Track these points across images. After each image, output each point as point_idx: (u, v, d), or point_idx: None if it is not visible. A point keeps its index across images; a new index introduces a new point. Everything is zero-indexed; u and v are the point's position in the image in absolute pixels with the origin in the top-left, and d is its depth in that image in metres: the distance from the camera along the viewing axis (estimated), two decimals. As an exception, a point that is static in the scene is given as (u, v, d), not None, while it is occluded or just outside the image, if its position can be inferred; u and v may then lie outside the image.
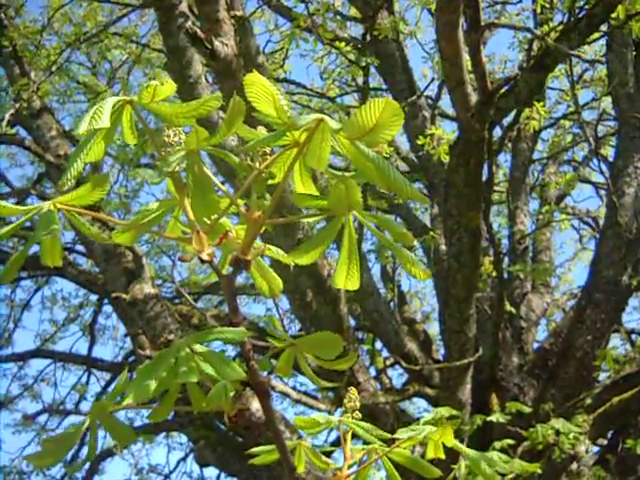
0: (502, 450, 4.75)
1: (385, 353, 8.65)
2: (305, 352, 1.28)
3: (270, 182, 1.19)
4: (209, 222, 1.17)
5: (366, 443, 1.47)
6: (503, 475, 4.49)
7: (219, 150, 1.19)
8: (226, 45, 4.88)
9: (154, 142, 1.14)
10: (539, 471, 4.66)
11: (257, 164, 1.17)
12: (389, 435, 1.42)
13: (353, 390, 1.48)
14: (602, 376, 6.98)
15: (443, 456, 1.46)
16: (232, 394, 1.14)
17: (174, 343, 1.07)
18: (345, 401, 1.47)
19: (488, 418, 5.30)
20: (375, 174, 1.03)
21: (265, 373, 1.23)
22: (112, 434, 1.17)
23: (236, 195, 1.17)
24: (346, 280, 1.24)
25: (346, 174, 1.14)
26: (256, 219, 1.16)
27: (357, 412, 1.47)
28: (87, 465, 9.52)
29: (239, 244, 1.17)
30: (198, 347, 1.05)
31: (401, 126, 0.99)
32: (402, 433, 1.42)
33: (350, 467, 1.44)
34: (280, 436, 1.20)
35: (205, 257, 1.12)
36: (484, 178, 5.45)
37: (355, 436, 1.49)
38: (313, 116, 1.03)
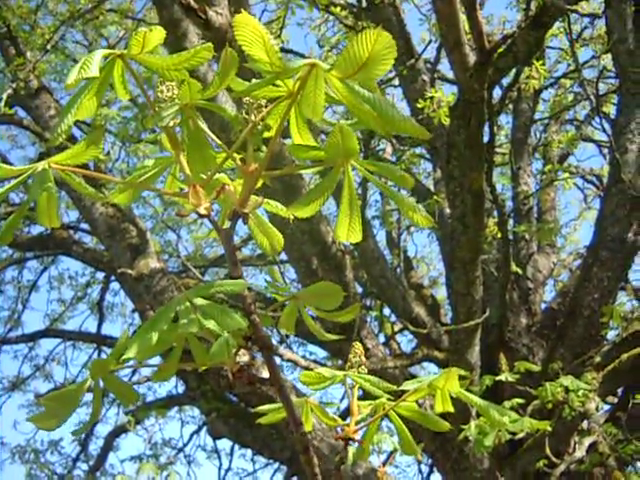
0: (512, 409, 4.76)
1: (393, 320, 8.66)
2: (307, 304, 1.27)
3: (266, 134, 1.18)
4: (206, 177, 1.16)
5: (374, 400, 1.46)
6: (514, 433, 4.50)
7: (213, 104, 1.17)
8: (220, 15, 4.85)
9: (147, 97, 1.12)
10: (549, 429, 4.67)
11: (252, 117, 1.16)
12: (395, 387, 1.42)
13: (358, 345, 1.47)
14: (611, 334, 6.97)
15: (452, 409, 1.45)
16: (234, 349, 1.13)
17: (174, 297, 1.06)
18: (350, 356, 1.46)
19: (497, 378, 5.30)
20: (372, 116, 1.01)
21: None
22: (114, 392, 1.16)
23: (232, 149, 1.16)
24: (348, 232, 1.23)
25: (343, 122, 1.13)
26: (253, 172, 1.14)
27: (363, 367, 1.47)
28: (102, 442, 9.60)
29: (237, 198, 1.16)
30: (198, 300, 1.04)
31: (394, 60, 0.97)
32: (408, 385, 1.41)
33: (358, 423, 1.44)
34: (285, 391, 1.20)
35: (202, 211, 1.11)
36: (485, 139, 5.42)
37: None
38: (305, 60, 1.02)
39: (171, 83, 1.14)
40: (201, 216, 1.11)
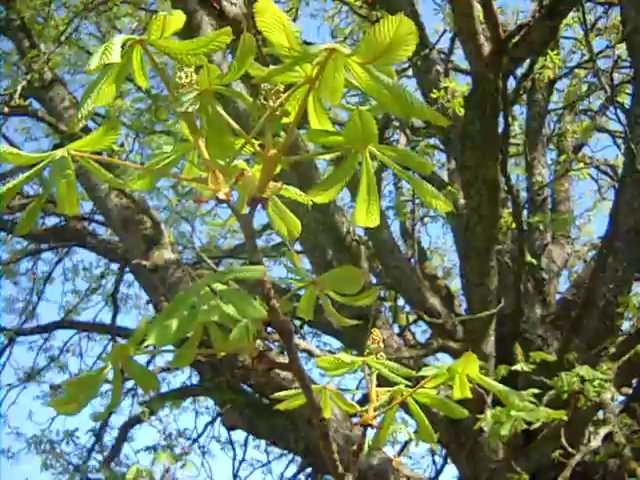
0: (528, 400, 4.75)
1: (407, 310, 8.66)
2: (326, 289, 1.27)
3: (284, 120, 1.18)
4: (224, 163, 1.17)
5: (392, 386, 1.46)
6: (530, 423, 4.50)
7: (232, 90, 1.17)
8: (234, 5, 4.85)
9: (166, 83, 1.12)
10: (565, 418, 4.66)
11: (270, 103, 1.16)
12: (414, 372, 1.42)
13: (376, 331, 1.47)
14: (626, 325, 6.95)
15: (470, 395, 1.45)
16: (253, 335, 1.13)
17: (195, 283, 1.06)
18: (369, 342, 1.46)
19: (513, 368, 5.30)
20: (392, 101, 1.01)
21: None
22: (134, 378, 1.16)
23: (251, 134, 1.16)
24: (367, 217, 1.22)
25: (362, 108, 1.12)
26: (271, 157, 1.14)
27: (382, 354, 1.47)
28: (116, 433, 9.64)
29: (255, 184, 1.16)
30: (218, 285, 1.04)
31: (415, 45, 0.97)
32: (427, 371, 1.41)
33: (376, 409, 1.44)
34: (304, 375, 1.20)
35: (222, 196, 1.12)
36: (500, 129, 5.40)
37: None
38: (325, 45, 1.01)
39: (189, 69, 1.14)
40: (220, 201, 1.12)
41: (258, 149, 1.16)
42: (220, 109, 1.16)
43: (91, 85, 1.05)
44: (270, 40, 1.02)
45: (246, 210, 1.16)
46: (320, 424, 1.24)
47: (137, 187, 1.24)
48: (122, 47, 1.04)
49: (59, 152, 1.12)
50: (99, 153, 1.17)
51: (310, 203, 1.30)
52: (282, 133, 1.19)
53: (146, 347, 1.13)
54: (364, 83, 1.03)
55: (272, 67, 1.08)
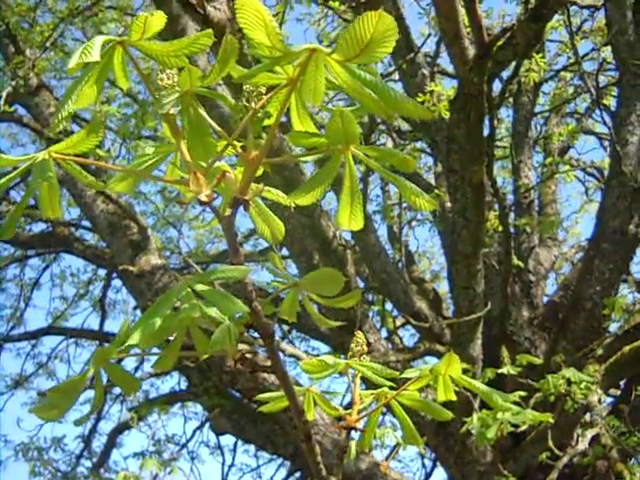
0: (515, 403, 4.76)
1: (395, 314, 8.66)
2: (308, 290, 1.27)
3: (266, 122, 1.18)
4: (206, 165, 1.16)
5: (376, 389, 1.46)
6: (516, 426, 4.50)
7: (214, 92, 1.17)
8: (219, 10, 4.84)
9: (147, 84, 1.12)
10: (551, 421, 4.67)
11: (252, 104, 1.16)
12: (397, 375, 1.41)
13: (360, 334, 1.47)
14: (613, 327, 6.97)
15: (454, 397, 1.45)
16: (235, 337, 1.13)
17: (176, 284, 1.06)
18: (352, 345, 1.45)
19: (499, 371, 5.30)
20: (375, 100, 1.01)
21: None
22: (115, 381, 1.16)
23: (232, 136, 1.16)
24: (350, 220, 1.22)
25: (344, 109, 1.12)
26: (253, 159, 1.14)
27: (365, 356, 1.46)
28: (105, 439, 9.60)
29: (237, 185, 1.15)
30: (199, 286, 1.04)
31: (395, 42, 0.96)
32: (410, 373, 1.41)
33: (360, 412, 1.44)
34: (287, 377, 1.20)
35: (204, 198, 1.11)
36: (485, 132, 5.41)
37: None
38: (306, 45, 1.01)
39: (171, 71, 1.14)
40: (202, 203, 1.11)
41: (240, 151, 1.16)
42: (202, 111, 1.16)
43: (72, 86, 1.05)
44: (251, 38, 1.02)
45: (228, 212, 1.16)
46: (303, 426, 1.23)
47: (119, 189, 1.23)
48: (103, 48, 1.03)
49: (40, 154, 1.11)
50: (85, 157, 1.17)
51: (293, 205, 1.30)
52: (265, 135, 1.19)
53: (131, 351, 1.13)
54: (345, 82, 1.03)
55: (253, 67, 1.08)
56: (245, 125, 1.15)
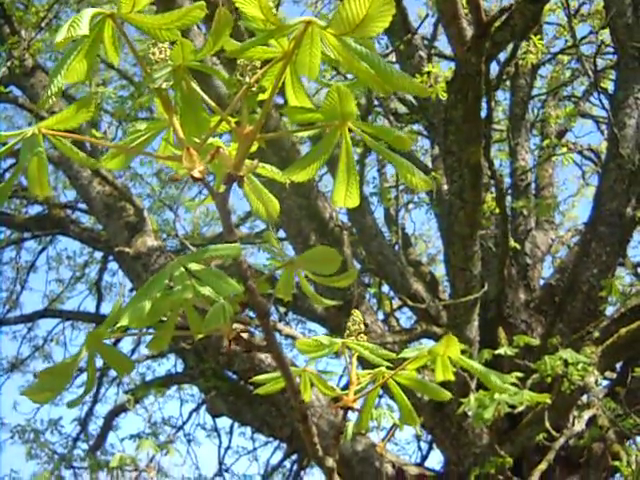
0: (512, 384, 4.75)
1: (392, 297, 8.65)
2: (304, 269, 1.25)
3: (260, 97, 1.15)
4: (199, 140, 1.14)
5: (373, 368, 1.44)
6: (513, 407, 4.50)
7: (206, 66, 1.15)
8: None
9: (138, 58, 1.10)
10: (549, 401, 4.66)
11: (246, 79, 1.14)
12: (394, 355, 1.40)
13: (357, 312, 1.45)
14: (609, 310, 6.97)
15: (452, 377, 1.43)
16: (230, 316, 1.11)
17: (169, 264, 1.04)
18: (349, 324, 1.44)
19: (496, 352, 5.29)
20: (371, 75, 0.98)
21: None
22: (108, 361, 1.14)
23: (226, 111, 1.14)
24: (345, 197, 1.20)
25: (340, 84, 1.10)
26: (247, 134, 1.12)
27: (362, 335, 1.45)
28: (101, 421, 9.61)
29: (231, 161, 1.13)
30: (193, 265, 1.02)
31: (391, 18, 0.94)
32: (408, 353, 1.39)
33: (357, 392, 1.42)
34: (282, 357, 1.18)
35: (197, 174, 1.09)
36: (483, 113, 5.39)
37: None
38: (301, 18, 0.99)
39: (163, 45, 1.12)
40: (195, 179, 1.09)
41: (234, 126, 1.14)
42: (195, 85, 1.14)
43: (61, 60, 1.03)
44: (244, 13, 0.99)
45: (222, 189, 1.14)
46: (299, 406, 1.22)
47: (112, 166, 1.21)
48: (92, 21, 1.01)
49: (30, 130, 1.09)
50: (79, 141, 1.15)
51: (289, 184, 1.28)
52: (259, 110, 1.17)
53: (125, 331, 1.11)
54: (341, 56, 1.01)
55: (247, 40, 1.06)
56: (239, 100, 1.13)
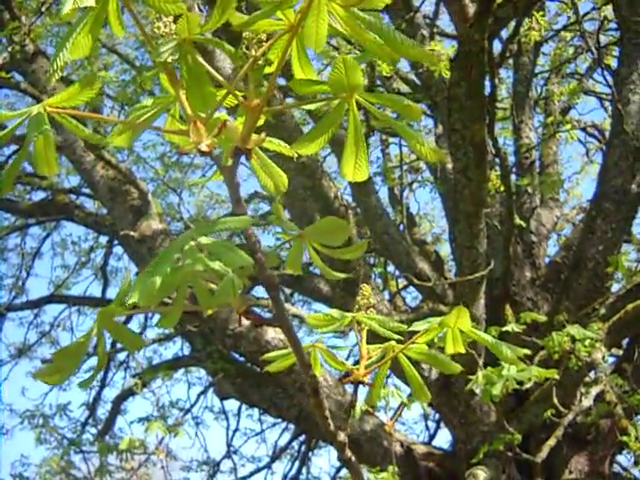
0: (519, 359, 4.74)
1: (397, 277, 8.66)
2: (312, 240, 1.24)
3: (267, 70, 1.15)
4: (206, 115, 1.13)
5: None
6: (521, 383, 4.50)
7: (212, 39, 1.14)
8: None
9: (143, 32, 1.09)
10: (557, 377, 4.66)
11: (252, 52, 1.13)
12: (405, 328, 1.39)
13: (366, 287, 1.45)
14: (615, 286, 6.96)
15: (463, 350, 1.43)
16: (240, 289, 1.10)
17: (179, 237, 1.03)
18: (358, 298, 1.44)
19: (503, 329, 5.29)
20: (378, 45, 0.98)
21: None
22: (118, 338, 1.14)
23: (232, 84, 1.13)
24: (354, 170, 1.19)
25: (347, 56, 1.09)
26: (254, 107, 1.12)
27: (372, 309, 1.44)
28: (109, 406, 9.64)
29: (239, 135, 1.13)
30: (203, 239, 1.01)
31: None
32: (418, 326, 1.39)
33: (367, 367, 1.42)
34: (292, 330, 1.17)
35: (204, 148, 1.09)
36: (486, 91, 5.36)
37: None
38: (307, -13, 0.98)
39: (168, 19, 1.11)
40: (202, 153, 1.09)
41: (241, 99, 1.13)
42: (200, 59, 1.13)
43: (66, 35, 1.02)
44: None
45: (230, 163, 1.13)
46: (311, 380, 1.22)
47: (117, 143, 1.20)
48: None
49: (35, 108, 1.08)
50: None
51: (296, 158, 1.27)
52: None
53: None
54: (348, 26, 1.00)
55: (254, 13, 1.05)
56: (245, 73, 1.12)
